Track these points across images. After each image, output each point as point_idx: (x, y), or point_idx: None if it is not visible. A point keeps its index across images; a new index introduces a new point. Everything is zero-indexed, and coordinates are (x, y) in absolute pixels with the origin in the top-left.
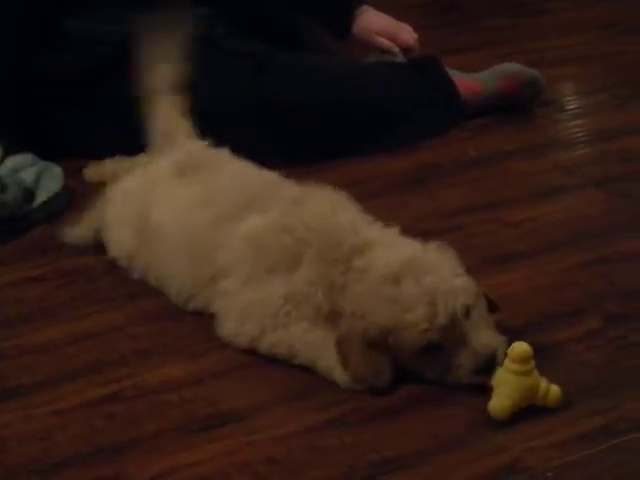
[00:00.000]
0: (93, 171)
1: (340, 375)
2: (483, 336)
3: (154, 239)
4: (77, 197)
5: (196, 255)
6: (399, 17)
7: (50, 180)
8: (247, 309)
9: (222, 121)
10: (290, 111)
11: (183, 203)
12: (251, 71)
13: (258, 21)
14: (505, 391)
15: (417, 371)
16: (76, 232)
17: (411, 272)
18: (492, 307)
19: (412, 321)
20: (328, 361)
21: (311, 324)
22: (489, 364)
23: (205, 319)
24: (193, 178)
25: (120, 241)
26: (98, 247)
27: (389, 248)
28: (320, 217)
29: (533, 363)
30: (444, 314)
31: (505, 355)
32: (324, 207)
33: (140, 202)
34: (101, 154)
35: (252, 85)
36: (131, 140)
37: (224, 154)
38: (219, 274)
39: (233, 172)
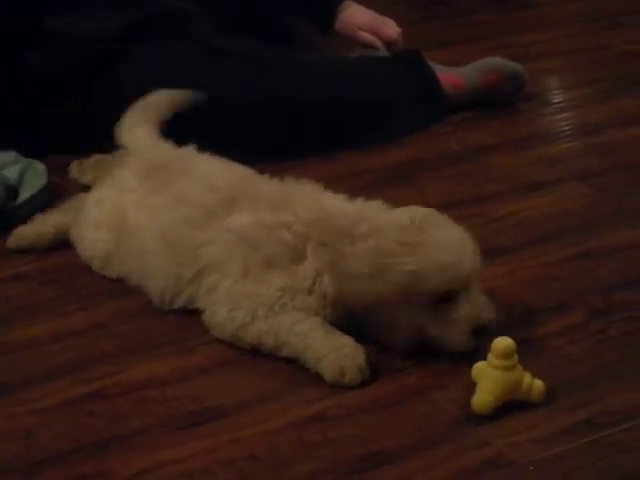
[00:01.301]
0: (76, 171)
1: (326, 368)
2: (483, 301)
3: (132, 241)
4: (61, 194)
5: (178, 254)
6: (384, 11)
7: (33, 177)
8: (242, 297)
9: (216, 120)
10: (281, 108)
11: (158, 206)
12: (246, 71)
13: (245, 18)
14: (488, 386)
15: (415, 328)
16: (32, 229)
17: (434, 223)
18: None
19: (445, 263)
20: (316, 352)
21: (303, 315)
22: (484, 329)
23: (188, 316)
24: (165, 179)
25: (96, 240)
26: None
27: (387, 213)
28: (312, 210)
29: (516, 358)
30: (470, 264)
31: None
32: (310, 198)
33: (114, 203)
34: (84, 151)
35: (247, 85)
36: (111, 138)
37: (191, 152)
38: (206, 270)
39: (206, 170)
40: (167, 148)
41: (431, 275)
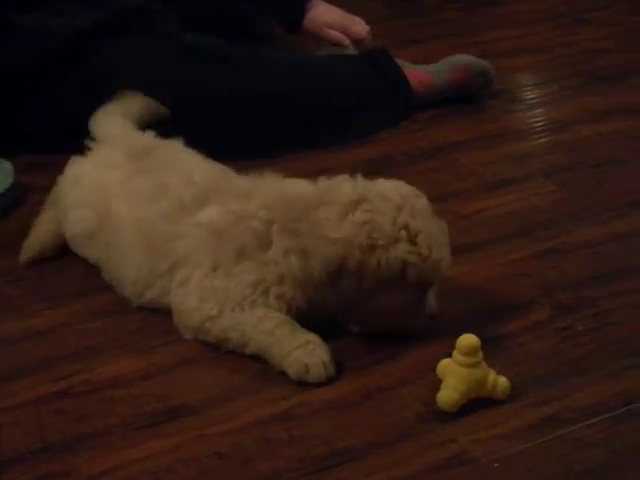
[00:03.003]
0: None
1: (290, 365)
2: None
3: (112, 229)
4: (29, 193)
5: (152, 247)
6: (355, 9)
7: (0, 176)
8: (213, 291)
9: (186, 117)
10: (247, 105)
11: (138, 195)
12: (212, 68)
13: (212, 16)
14: (453, 383)
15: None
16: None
17: (422, 209)
18: None
19: (437, 259)
20: (281, 349)
21: (269, 312)
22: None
23: (154, 315)
24: (148, 165)
25: (79, 218)
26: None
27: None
28: (274, 195)
29: (481, 355)
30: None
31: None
32: (273, 186)
33: (97, 181)
34: (51, 150)
35: (212, 81)
36: (80, 136)
37: (175, 145)
38: (178, 264)
39: (186, 164)
40: (143, 136)
41: (422, 267)
